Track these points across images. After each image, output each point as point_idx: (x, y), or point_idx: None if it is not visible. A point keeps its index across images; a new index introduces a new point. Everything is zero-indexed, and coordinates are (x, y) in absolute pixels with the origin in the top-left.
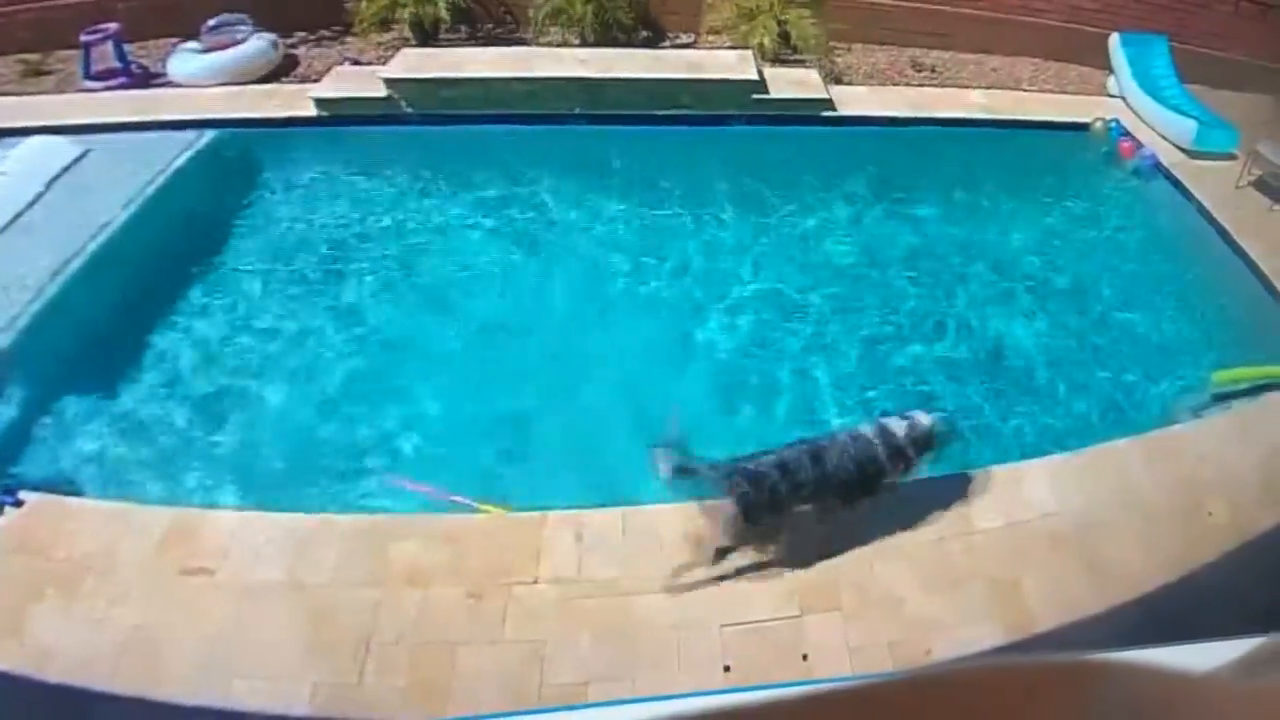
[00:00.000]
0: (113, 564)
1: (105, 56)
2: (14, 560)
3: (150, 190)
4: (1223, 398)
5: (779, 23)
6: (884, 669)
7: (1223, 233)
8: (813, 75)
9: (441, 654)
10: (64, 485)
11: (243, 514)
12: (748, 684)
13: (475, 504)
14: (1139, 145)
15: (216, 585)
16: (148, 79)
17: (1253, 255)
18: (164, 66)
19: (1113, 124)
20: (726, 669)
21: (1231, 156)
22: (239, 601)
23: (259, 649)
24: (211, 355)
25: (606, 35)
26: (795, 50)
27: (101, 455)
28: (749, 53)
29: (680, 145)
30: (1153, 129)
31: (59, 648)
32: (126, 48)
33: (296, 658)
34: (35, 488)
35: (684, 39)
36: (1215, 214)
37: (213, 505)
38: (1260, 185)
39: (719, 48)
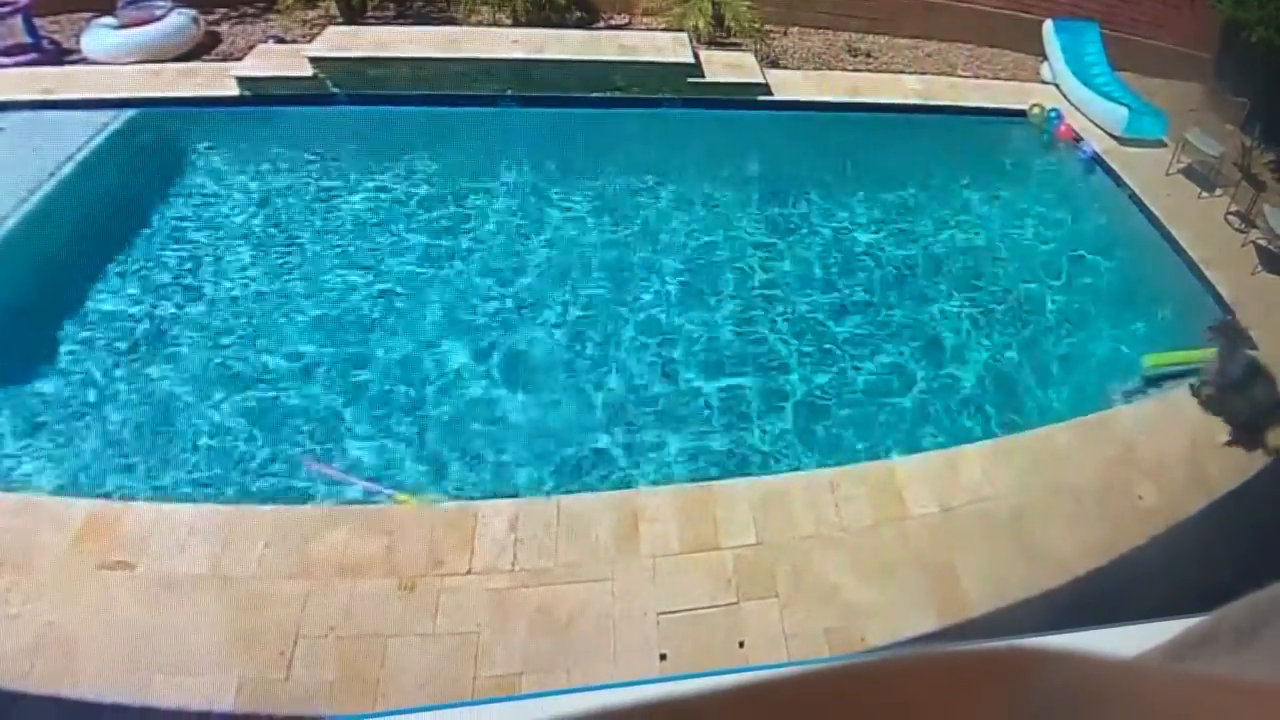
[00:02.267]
0: (26, 558)
1: (14, 31)
2: None
3: (64, 172)
4: (1153, 381)
5: (714, 4)
6: (820, 655)
7: (1152, 219)
8: (748, 59)
9: (372, 646)
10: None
11: (164, 505)
12: (684, 672)
13: (393, 494)
14: (1077, 135)
15: (136, 579)
16: (60, 55)
17: (1181, 242)
18: (78, 42)
19: (1051, 112)
20: (663, 657)
21: (1161, 143)
22: (160, 595)
23: (182, 644)
24: (126, 340)
25: (539, 15)
26: (730, 33)
27: (9, 445)
28: (684, 35)
29: (613, 128)
30: (1085, 115)
31: None
32: (37, 22)
33: (221, 652)
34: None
35: (618, 20)
36: (1145, 200)
37: (132, 496)
38: (1189, 173)
39: (654, 29)
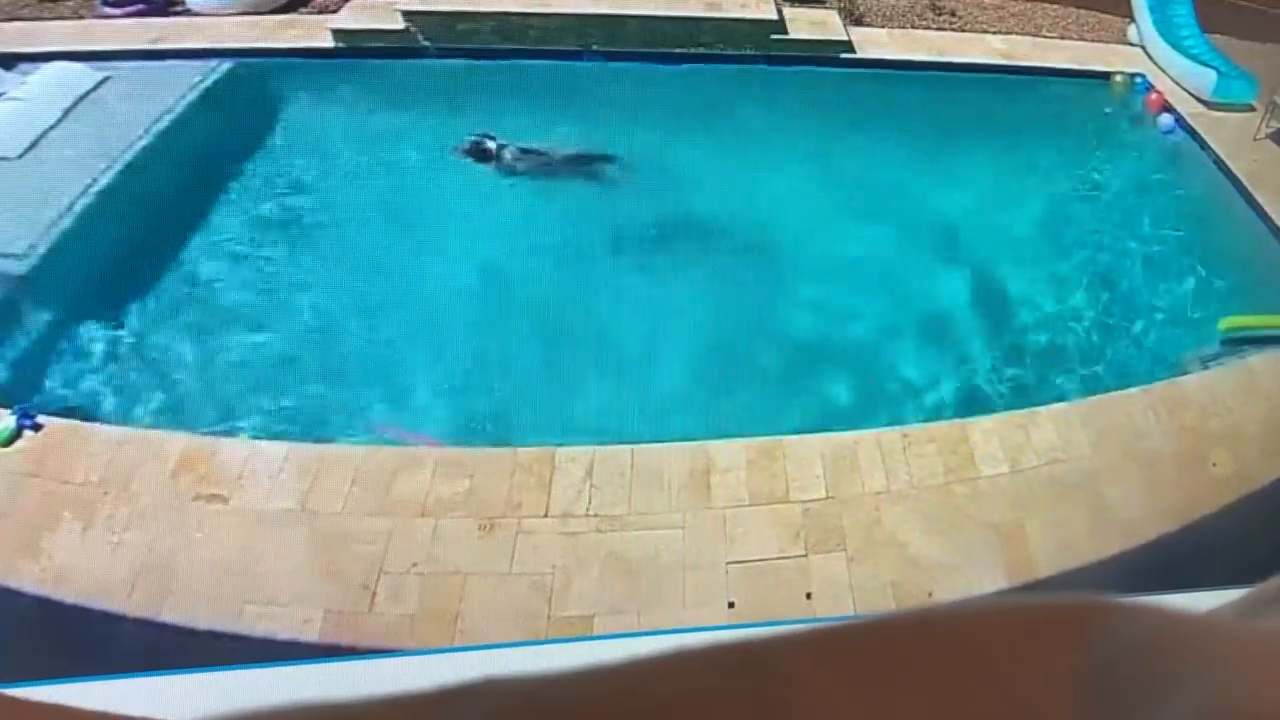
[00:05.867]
0: (128, 489)
1: None
2: (32, 483)
3: (167, 119)
4: (1230, 346)
5: None
6: (886, 608)
7: (1236, 183)
8: (832, 16)
9: (452, 584)
10: (81, 410)
11: (256, 442)
12: (751, 620)
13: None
14: (1167, 104)
15: (230, 512)
16: (166, 6)
17: (1267, 208)
18: None
19: (1138, 79)
20: (731, 605)
21: (1250, 108)
22: (252, 528)
23: (271, 576)
24: (225, 284)
25: None
26: None
27: (117, 381)
28: None
29: (694, 85)
30: (1172, 79)
31: (75, 569)
32: None
33: (308, 585)
34: (53, 412)
35: None
36: (1230, 164)
37: (227, 433)
38: (1278, 138)
39: None
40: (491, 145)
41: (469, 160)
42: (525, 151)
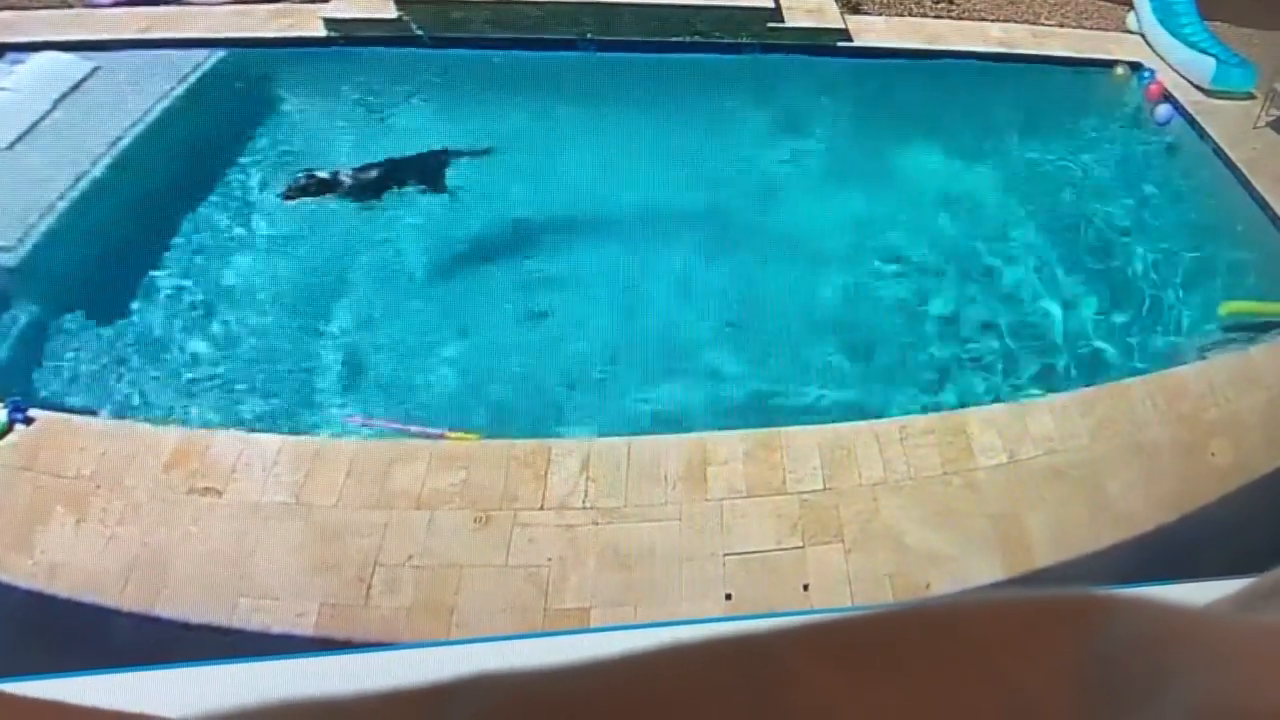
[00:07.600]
0: (121, 483)
1: None
2: (24, 477)
3: (157, 110)
4: (1230, 334)
5: None
6: (883, 600)
7: (1236, 171)
8: (829, 4)
9: (448, 576)
10: (73, 403)
11: (249, 435)
12: (749, 612)
13: (446, 434)
14: (1166, 93)
15: (224, 505)
16: None
17: (1266, 196)
18: None
19: (1145, 72)
20: (728, 597)
21: (1250, 96)
22: (246, 522)
23: (265, 569)
24: (218, 275)
25: None
26: None
27: (109, 374)
28: None
29: (688, 74)
30: (1171, 66)
31: (68, 564)
32: None
33: (303, 578)
34: (45, 405)
35: None
36: (1229, 153)
37: (220, 426)
38: (1277, 125)
39: None
40: (324, 175)
41: (306, 199)
42: (359, 170)
